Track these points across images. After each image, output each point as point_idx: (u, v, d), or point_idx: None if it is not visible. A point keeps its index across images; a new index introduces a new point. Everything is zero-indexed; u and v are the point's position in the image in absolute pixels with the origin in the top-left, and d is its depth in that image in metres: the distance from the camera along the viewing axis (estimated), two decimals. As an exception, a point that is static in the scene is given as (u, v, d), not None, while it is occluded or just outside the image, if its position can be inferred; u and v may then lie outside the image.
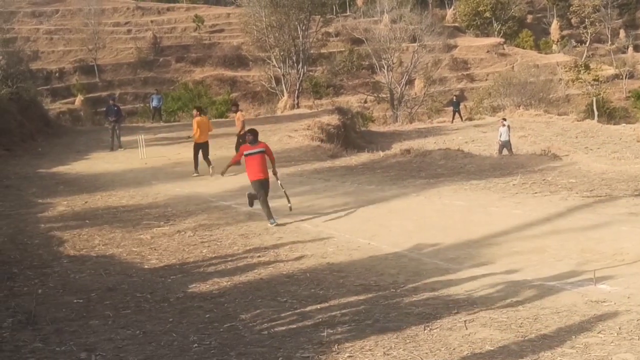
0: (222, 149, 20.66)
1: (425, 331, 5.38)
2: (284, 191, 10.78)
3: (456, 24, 67.77)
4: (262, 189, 10.51)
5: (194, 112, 17.74)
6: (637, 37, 69.19)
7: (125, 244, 9.32)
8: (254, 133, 10.91)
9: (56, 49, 51.47)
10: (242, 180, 14.96)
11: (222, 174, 11.63)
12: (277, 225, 10.14)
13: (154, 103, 32.20)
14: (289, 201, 10.60)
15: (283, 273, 7.52)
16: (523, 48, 63.79)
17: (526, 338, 5.11)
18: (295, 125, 24.36)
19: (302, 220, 10.54)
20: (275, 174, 10.82)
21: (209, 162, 15.94)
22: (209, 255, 8.58)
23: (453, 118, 36.66)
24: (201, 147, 16.21)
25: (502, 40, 62.89)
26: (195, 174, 15.92)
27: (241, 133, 16.68)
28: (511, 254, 7.89)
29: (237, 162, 11.19)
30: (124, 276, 7.59)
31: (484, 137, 27.38)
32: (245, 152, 10.65)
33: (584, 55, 61.73)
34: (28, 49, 44.63)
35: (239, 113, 17.77)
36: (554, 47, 66.30)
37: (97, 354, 5.16)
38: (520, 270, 7.14)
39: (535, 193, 11.81)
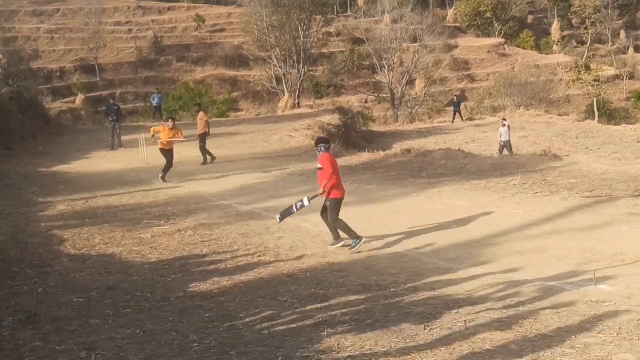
0: (223, 147, 20.68)
1: (425, 330, 5.38)
2: None
3: (457, 24, 67.65)
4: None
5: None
6: (638, 38, 69.07)
7: (125, 242, 9.33)
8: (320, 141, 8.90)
9: (57, 47, 51.40)
10: (242, 179, 14.99)
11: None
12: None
13: (155, 102, 32.32)
14: None
15: (283, 272, 7.52)
16: (524, 48, 63.68)
17: (526, 338, 5.11)
18: (296, 125, 24.36)
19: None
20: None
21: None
22: (209, 254, 8.58)
23: (453, 118, 36.63)
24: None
25: (503, 40, 62.78)
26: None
27: (201, 133, 17.97)
28: (511, 253, 7.90)
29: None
30: (124, 275, 7.59)
31: (484, 137, 27.35)
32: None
33: (585, 56, 61.63)
34: (29, 47, 44.51)
35: (201, 113, 19.00)
36: (555, 47, 66.20)
37: (97, 352, 5.16)
38: (521, 270, 7.14)
39: (536, 193, 11.81)
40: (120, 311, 6.24)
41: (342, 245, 8.54)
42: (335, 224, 8.57)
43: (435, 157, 17.22)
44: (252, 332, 5.55)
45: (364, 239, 8.45)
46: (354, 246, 8.41)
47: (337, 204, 8.57)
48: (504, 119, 23.54)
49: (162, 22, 58.44)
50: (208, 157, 17.92)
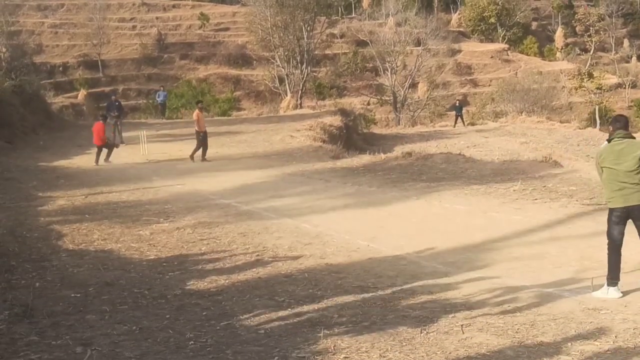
0: (224, 146, 20.71)
1: (422, 334, 5.38)
2: None
3: (461, 29, 67.58)
4: None
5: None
6: (641, 47, 69.03)
7: (124, 239, 9.32)
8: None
9: (60, 43, 51.40)
10: (243, 178, 15.00)
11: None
12: None
13: (160, 99, 32.41)
14: None
15: (281, 272, 7.51)
16: (527, 54, 63.62)
17: (522, 344, 5.10)
18: (298, 125, 24.37)
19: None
20: None
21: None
22: (207, 252, 8.58)
23: (455, 122, 36.66)
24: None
25: (507, 46, 62.72)
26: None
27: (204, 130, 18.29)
28: (510, 259, 7.89)
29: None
30: (122, 271, 7.59)
31: (485, 142, 27.34)
32: None
33: (588, 64, 61.57)
34: (32, 42, 44.47)
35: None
36: (558, 54, 66.13)
37: (93, 348, 5.16)
38: (519, 276, 7.13)
39: (536, 199, 11.81)
40: (117, 308, 6.24)
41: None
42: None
43: (436, 161, 17.21)
44: (248, 332, 5.55)
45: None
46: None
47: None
48: None
49: (167, 19, 58.46)
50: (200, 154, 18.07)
